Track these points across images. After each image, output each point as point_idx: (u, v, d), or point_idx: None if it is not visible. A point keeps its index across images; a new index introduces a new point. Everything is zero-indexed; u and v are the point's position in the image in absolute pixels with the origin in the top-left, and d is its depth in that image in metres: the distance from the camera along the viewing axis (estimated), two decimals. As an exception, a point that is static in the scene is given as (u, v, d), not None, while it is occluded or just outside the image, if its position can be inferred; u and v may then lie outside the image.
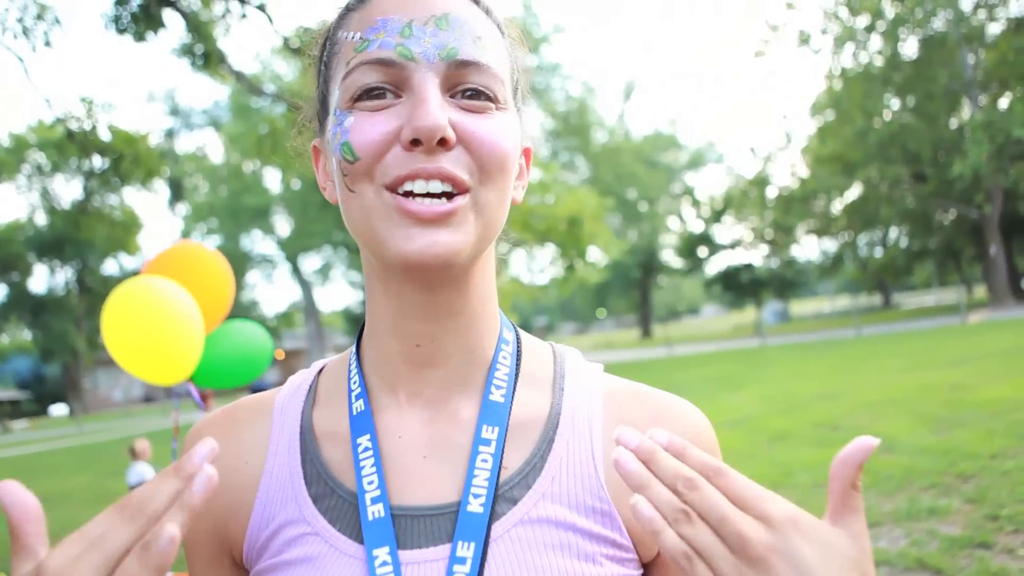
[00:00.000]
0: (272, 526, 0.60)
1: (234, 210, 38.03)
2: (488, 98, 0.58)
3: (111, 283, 49.39)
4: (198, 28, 7.68)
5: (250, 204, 37.76)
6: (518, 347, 0.67)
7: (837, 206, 34.01)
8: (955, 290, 31.58)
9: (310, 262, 45.03)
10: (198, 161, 42.23)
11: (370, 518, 0.57)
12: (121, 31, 7.15)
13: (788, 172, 37.99)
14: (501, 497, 0.58)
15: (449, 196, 0.56)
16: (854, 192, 32.21)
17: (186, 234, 45.41)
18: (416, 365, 0.62)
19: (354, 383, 0.64)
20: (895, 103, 29.00)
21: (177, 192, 43.52)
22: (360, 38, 0.57)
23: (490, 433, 0.60)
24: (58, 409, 50.94)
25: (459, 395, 0.63)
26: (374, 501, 0.57)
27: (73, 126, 8.16)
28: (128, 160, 8.65)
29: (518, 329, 0.70)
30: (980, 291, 36.97)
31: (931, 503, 5.06)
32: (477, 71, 0.57)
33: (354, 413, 0.62)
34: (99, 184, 35.65)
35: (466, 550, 0.55)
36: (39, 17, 7.05)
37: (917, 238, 34.03)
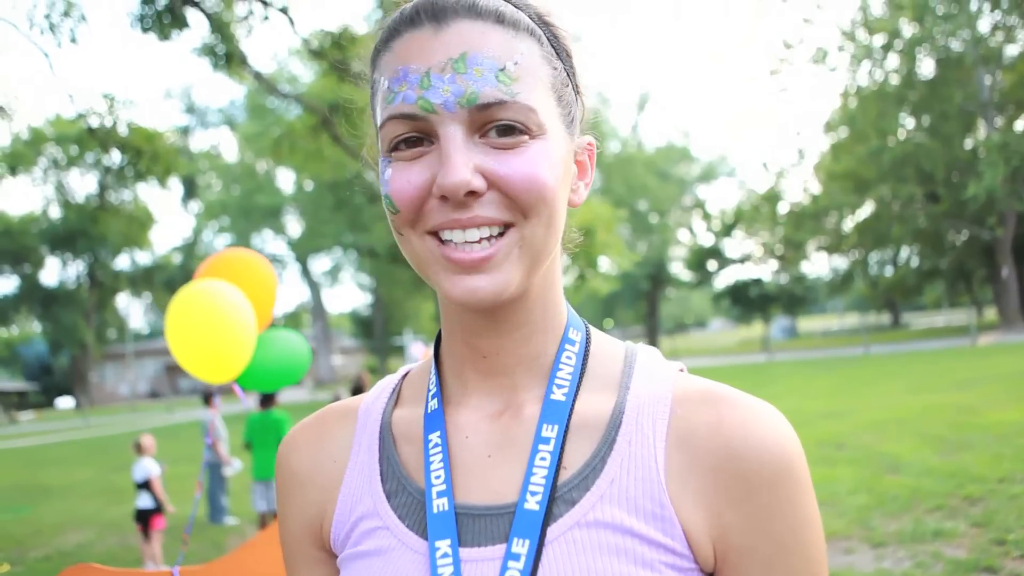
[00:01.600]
0: (352, 518, 0.65)
1: (246, 209, 38.21)
2: (520, 131, 0.56)
3: (122, 278, 49.67)
4: (221, 28, 7.77)
5: (262, 204, 37.94)
6: (586, 347, 0.66)
7: (849, 224, 33.90)
8: (965, 311, 31.37)
9: (320, 263, 45.19)
10: (212, 159, 42.50)
11: (435, 511, 0.59)
12: (146, 30, 7.24)
13: (800, 188, 37.96)
14: (560, 498, 0.58)
15: (491, 237, 0.57)
16: (866, 210, 32.10)
17: (198, 231, 45.62)
18: (483, 373, 0.65)
19: (431, 383, 0.67)
20: (910, 122, 28.94)
21: (191, 190, 43.76)
22: (388, 88, 0.58)
23: (549, 432, 0.60)
24: (64, 402, 51.15)
25: (524, 395, 0.64)
26: (440, 495, 0.60)
27: (94, 122, 8.25)
28: (147, 157, 8.73)
29: (589, 328, 0.69)
30: (991, 313, 36.71)
31: (937, 525, 5.04)
32: (502, 109, 0.55)
33: (428, 411, 0.66)
34: (115, 180, 35.90)
35: (520, 547, 0.56)
36: (66, 14, 7.15)
37: (928, 258, 33.86)
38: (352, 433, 0.69)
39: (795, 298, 45.39)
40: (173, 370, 57.86)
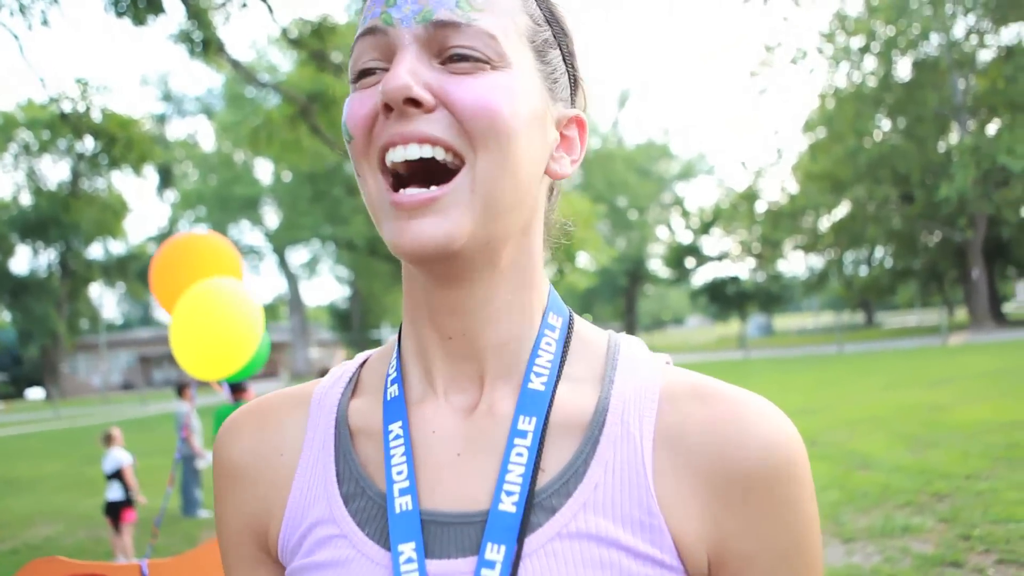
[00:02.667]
0: (305, 525, 0.57)
1: (223, 199, 37.81)
2: (478, 60, 0.52)
3: (95, 267, 48.90)
4: (198, 15, 7.65)
5: (240, 194, 37.56)
6: (567, 334, 0.60)
7: (825, 223, 34.35)
8: (937, 311, 31.96)
9: (297, 255, 44.83)
10: (189, 148, 41.94)
11: (397, 511, 0.53)
12: (120, 14, 7.11)
13: (778, 187, 38.32)
14: (538, 505, 0.52)
15: (440, 180, 0.52)
16: (842, 210, 32.55)
17: (174, 221, 45.03)
18: (450, 358, 0.58)
19: (391, 367, 0.61)
20: (886, 124, 29.36)
21: (166, 178, 43.15)
22: (363, 13, 0.57)
23: (527, 424, 0.54)
24: (34, 393, 50.32)
25: (498, 387, 0.57)
26: (402, 493, 0.54)
27: (67, 107, 8.10)
28: (121, 144, 8.59)
29: (572, 314, 0.62)
30: (961, 313, 37.44)
31: (905, 521, 5.13)
32: (457, 32, 0.52)
33: (388, 399, 0.59)
34: (88, 167, 35.29)
35: (495, 553, 0.50)
36: (37, -5, 7.01)
37: (902, 258, 34.42)
38: (304, 424, 0.61)
39: (771, 296, 45.92)
40: (147, 362, 57.12)
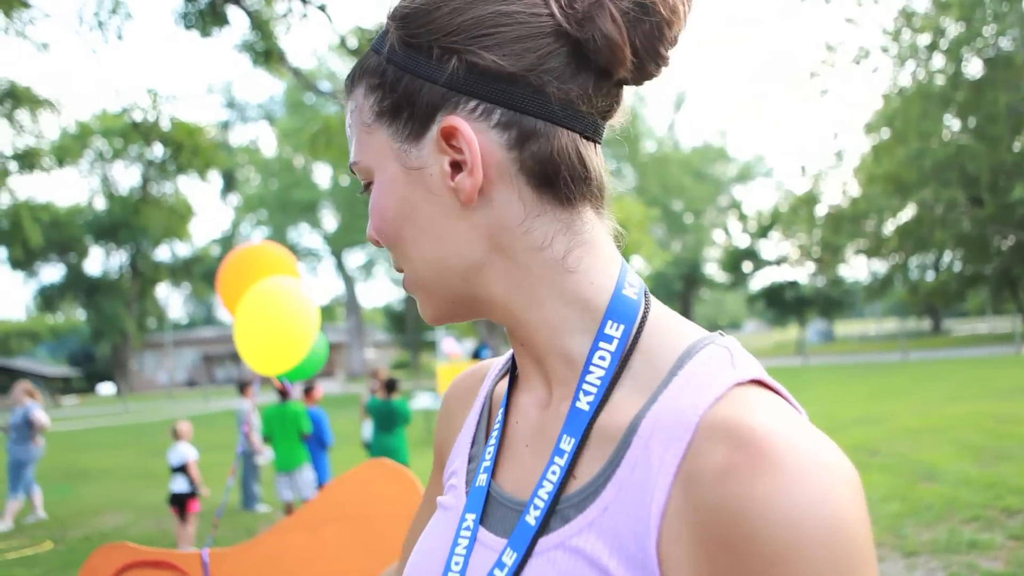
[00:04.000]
0: (450, 469, 0.70)
1: (283, 203, 38.84)
2: (367, 184, 0.63)
3: (162, 268, 50.82)
4: (261, 26, 7.92)
5: (299, 198, 38.51)
6: (632, 342, 0.56)
7: (889, 227, 33.19)
8: (1010, 319, 30.50)
9: (354, 258, 45.70)
10: (251, 154, 43.22)
11: (476, 484, 0.62)
12: (189, 27, 7.42)
13: (839, 190, 37.22)
14: (558, 512, 0.54)
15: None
16: (907, 213, 31.40)
17: (236, 224, 46.39)
18: (527, 360, 0.62)
19: (509, 363, 0.69)
20: (955, 124, 28.23)
21: (229, 183, 44.58)
22: None
23: (566, 444, 0.55)
24: (105, 388, 52.55)
25: (562, 391, 0.59)
26: (484, 471, 0.62)
27: (138, 116, 8.47)
28: (188, 150, 8.94)
29: (648, 316, 0.58)
30: (1036, 321, 35.67)
31: (972, 536, 4.93)
32: (355, 172, 0.63)
33: (508, 387, 0.67)
34: (157, 173, 36.73)
35: (508, 558, 0.55)
36: (113, 11, 7.36)
37: (972, 263, 32.97)
38: (476, 394, 0.73)
39: (832, 301, 44.60)
40: (210, 360, 59.02)
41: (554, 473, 0.55)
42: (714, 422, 0.48)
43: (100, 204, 45.28)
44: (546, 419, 0.60)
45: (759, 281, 47.18)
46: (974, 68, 26.65)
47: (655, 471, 0.49)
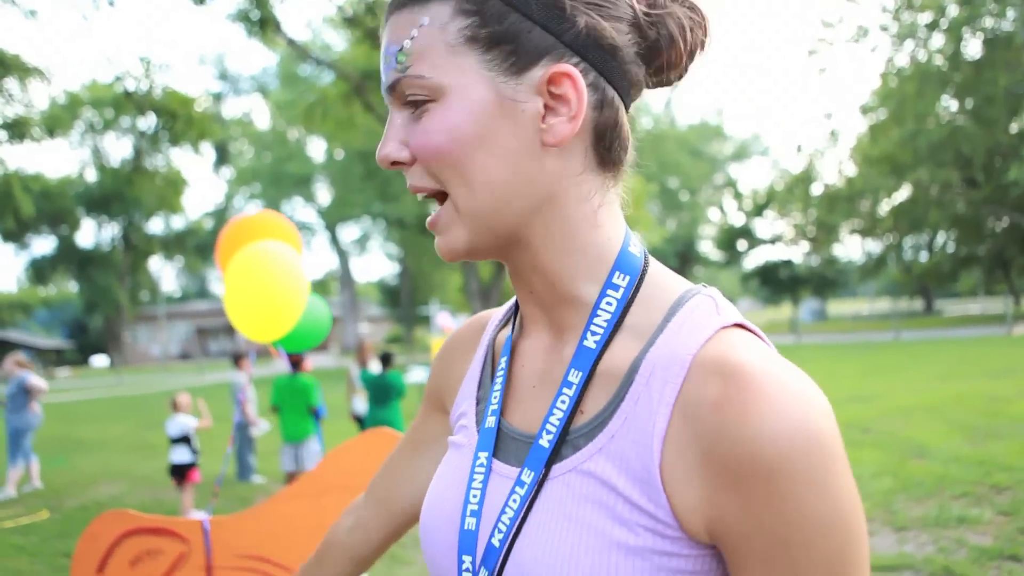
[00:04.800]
0: (457, 412, 0.77)
1: (277, 176, 38.52)
2: (425, 100, 0.61)
3: (155, 241, 50.52)
4: (256, -7, 7.77)
5: (293, 171, 38.19)
6: (633, 291, 0.64)
7: (884, 207, 33.20)
8: (1002, 300, 30.68)
9: (348, 232, 45.50)
10: (244, 126, 42.77)
11: (485, 426, 0.69)
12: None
13: (835, 170, 37.17)
14: (569, 442, 0.61)
15: (436, 203, 0.64)
16: (903, 194, 31.39)
17: (230, 197, 46.07)
18: (534, 307, 0.69)
19: (512, 313, 0.76)
20: (953, 105, 28.11)
21: (222, 156, 44.21)
22: None
23: (574, 377, 0.62)
24: (99, 360, 52.52)
25: (568, 335, 0.66)
26: (492, 414, 0.68)
27: (131, 85, 8.35)
28: (181, 120, 8.83)
29: (648, 269, 0.66)
30: (1028, 303, 35.90)
31: (962, 512, 4.99)
32: (401, 85, 0.61)
33: (509, 335, 0.73)
34: (149, 144, 36.36)
35: (527, 476, 0.62)
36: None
37: (965, 244, 33.10)
38: (478, 344, 0.80)
39: (826, 281, 44.76)
40: (203, 333, 58.96)
41: (563, 403, 0.62)
42: (705, 360, 0.56)
43: (91, 176, 44.83)
44: (552, 362, 0.67)
45: (753, 259, 47.32)
46: (973, 48, 26.50)
47: (655, 404, 0.57)
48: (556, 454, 0.61)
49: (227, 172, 46.33)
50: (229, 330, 61.29)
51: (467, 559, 0.63)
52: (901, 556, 4.35)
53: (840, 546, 0.52)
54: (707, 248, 49.69)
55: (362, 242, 47.12)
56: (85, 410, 18.87)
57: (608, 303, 0.63)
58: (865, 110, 31.50)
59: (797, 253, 44.32)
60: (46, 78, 11.35)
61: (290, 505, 1.70)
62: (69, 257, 47.56)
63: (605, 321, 0.63)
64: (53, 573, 5.20)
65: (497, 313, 0.81)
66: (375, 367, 7.33)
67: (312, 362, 7.62)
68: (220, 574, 1.75)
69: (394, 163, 0.62)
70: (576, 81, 0.59)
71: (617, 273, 0.64)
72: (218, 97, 43.06)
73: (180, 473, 6.39)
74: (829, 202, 33.29)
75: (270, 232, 2.33)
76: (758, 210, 42.63)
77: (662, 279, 0.66)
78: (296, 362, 6.43)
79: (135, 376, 35.63)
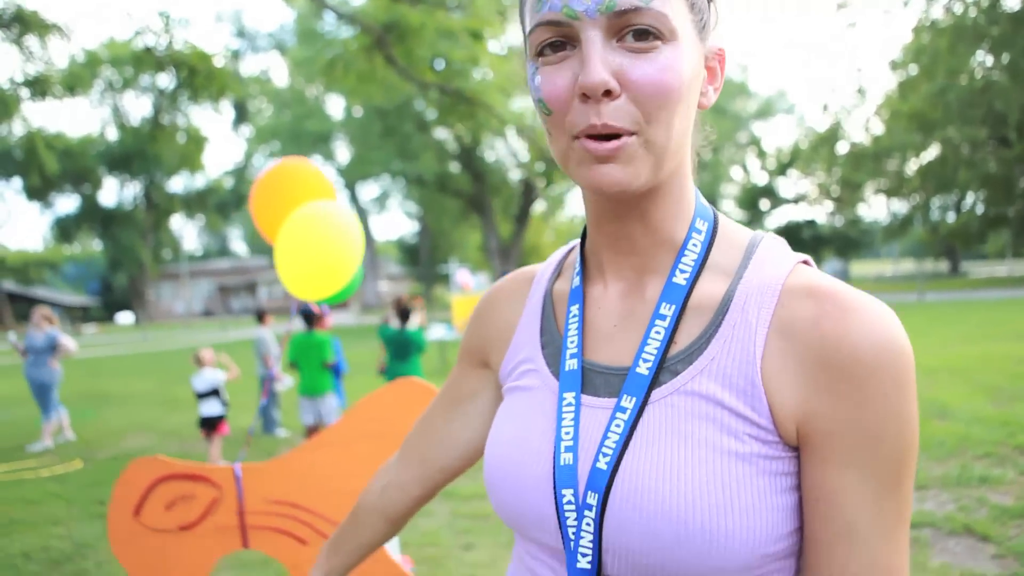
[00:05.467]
0: (516, 360, 0.80)
1: (296, 134, 38.37)
2: (654, 36, 0.62)
3: (176, 200, 50.85)
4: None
5: (312, 129, 38.01)
6: (711, 236, 0.72)
7: (912, 166, 32.46)
8: (1029, 262, 30.11)
9: (368, 190, 45.45)
10: (262, 84, 42.52)
11: (566, 369, 0.71)
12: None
13: (862, 128, 36.29)
14: (666, 369, 0.66)
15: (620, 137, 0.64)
16: (931, 153, 30.64)
17: (249, 156, 46.09)
18: (616, 253, 0.73)
19: (576, 264, 0.79)
20: (987, 60, 27.18)
21: (241, 114, 44.08)
22: (535, 3, 0.65)
23: (667, 310, 0.68)
24: (124, 317, 53.43)
25: (650, 277, 0.72)
26: (571, 356, 0.72)
27: (150, 40, 8.29)
28: (201, 76, 8.77)
29: (718, 218, 0.75)
30: (1057, 265, 35.17)
31: (984, 472, 4.97)
32: (637, 15, 0.61)
33: (572, 287, 0.77)
34: (168, 102, 36.34)
35: (628, 402, 0.66)
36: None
37: (995, 204, 32.33)
38: (527, 295, 0.84)
39: (849, 241, 44.13)
40: (225, 291, 59.68)
41: (658, 333, 0.67)
42: (794, 287, 0.65)
43: (112, 135, 44.99)
44: (633, 304, 0.72)
45: (776, 219, 46.67)
46: (1012, 1, 25.51)
47: (753, 326, 0.64)
48: (654, 381, 0.65)
49: (246, 131, 46.25)
50: (250, 288, 61.98)
51: (567, 492, 0.65)
52: (921, 514, 4.36)
53: (910, 443, 0.60)
54: (729, 207, 49.07)
55: (381, 200, 47.08)
56: (112, 365, 19.28)
57: (694, 245, 0.71)
58: (895, 66, 30.61)
59: (820, 213, 43.68)
60: (65, 35, 11.31)
61: (320, 453, 1.73)
62: (92, 216, 48.08)
63: (692, 261, 0.70)
64: (89, 518, 5.37)
65: (543, 268, 0.86)
66: (418, 319, 7.40)
67: (333, 319, 7.69)
68: (252, 519, 1.79)
69: (605, 92, 0.61)
70: (724, 59, 0.72)
71: (698, 219, 0.72)
72: (236, 55, 42.70)
73: (210, 425, 6.54)
74: (855, 161, 32.61)
75: (305, 178, 2.31)
76: (781, 169, 41.92)
77: (731, 225, 0.75)
78: (312, 319, 6.49)
79: (160, 332, 36.25)
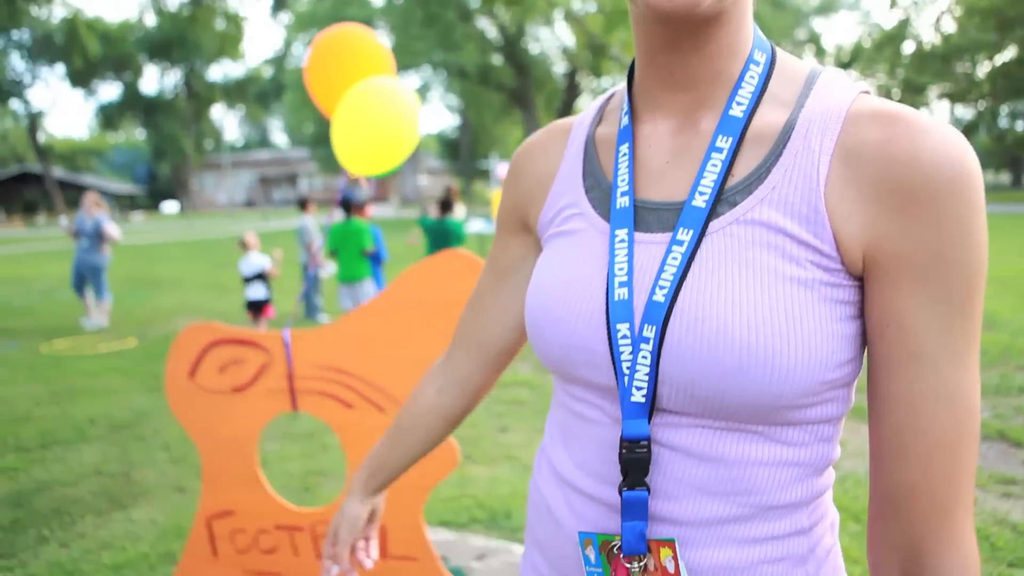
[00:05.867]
0: (557, 207, 0.78)
1: (336, 21, 37.36)
2: None
3: (216, 89, 50.62)
4: None
5: (352, 16, 36.90)
6: (769, 68, 0.69)
7: (983, 69, 30.46)
8: (1098, 175, 28.56)
9: (408, 81, 44.47)
10: (301, -32, 41.15)
11: (617, 207, 0.70)
12: None
13: (931, 25, 33.90)
14: (723, 200, 0.64)
15: None
16: (1007, 55, 28.64)
17: (288, 44, 45.29)
18: (669, 89, 0.70)
19: (624, 103, 0.76)
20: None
21: (280, 1, 42.97)
22: None
23: (723, 142, 0.66)
24: (169, 206, 54.60)
25: (704, 112, 0.69)
26: (623, 195, 0.70)
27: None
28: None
29: (775, 51, 0.71)
30: None
31: (1024, 382, 4.92)
32: None
33: (621, 127, 0.74)
34: (206, -15, 35.55)
35: (684, 235, 0.64)
36: None
37: (1069, 113, 30.48)
38: (566, 144, 0.81)
39: (905, 148, 42.22)
40: (266, 182, 60.24)
41: (715, 166, 0.65)
42: (859, 112, 0.62)
43: (150, 20, 44.46)
44: (686, 139, 0.69)
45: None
46: None
47: (816, 153, 0.62)
48: (712, 212, 0.64)
49: (285, 18, 45.18)
50: (291, 179, 62.40)
51: (622, 327, 0.64)
52: (956, 418, 4.36)
53: (980, 266, 0.58)
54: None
55: (422, 92, 46.09)
56: (160, 252, 19.86)
57: (751, 77, 0.67)
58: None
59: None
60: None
61: (366, 321, 1.76)
62: (135, 104, 48.29)
63: (749, 93, 0.67)
64: (145, 391, 5.69)
65: (580, 116, 0.83)
66: (460, 212, 7.42)
67: (373, 210, 7.72)
68: (300, 383, 1.86)
69: None
70: None
71: (756, 51, 0.69)
72: (273, -64, 41.24)
73: (256, 309, 6.76)
74: (920, 61, 30.74)
75: (363, 50, 2.23)
76: (841, 68, 39.75)
77: (789, 58, 0.71)
78: (351, 207, 6.53)
79: (204, 221, 37.02)
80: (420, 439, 0.95)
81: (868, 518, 0.65)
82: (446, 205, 6.87)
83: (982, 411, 4.48)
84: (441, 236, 6.87)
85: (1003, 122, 35.46)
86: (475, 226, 11.93)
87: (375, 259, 6.79)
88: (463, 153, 43.34)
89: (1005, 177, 45.89)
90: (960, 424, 0.58)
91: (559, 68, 34.24)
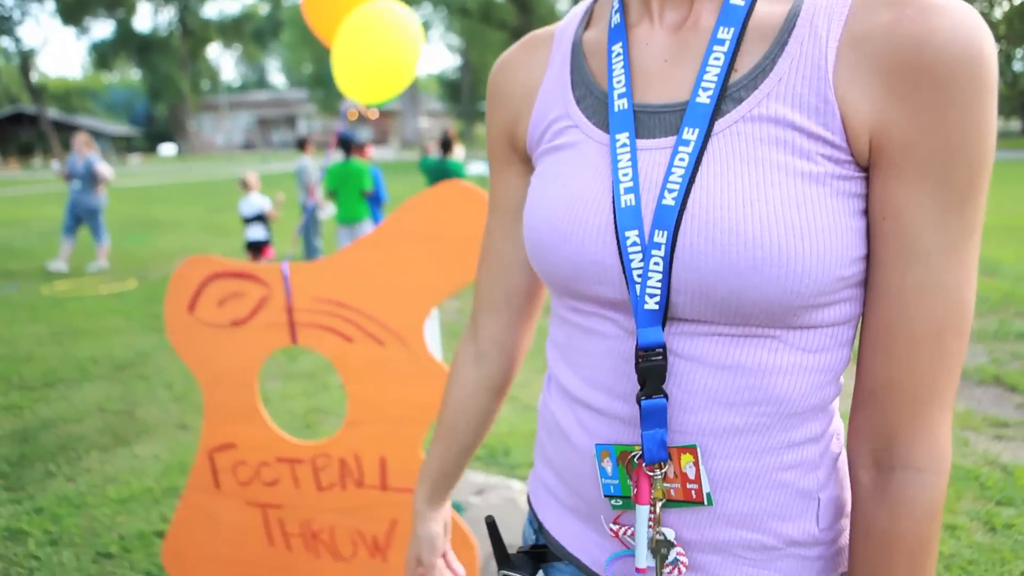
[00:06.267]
0: (546, 121, 0.73)
1: (333, -42, 36.25)
2: None
3: (211, 26, 49.43)
4: None
5: (349, -48, 35.86)
6: None
7: (1000, 11, 29.68)
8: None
9: (407, 21, 43.39)
10: (296, -102, 39.73)
11: (616, 110, 0.66)
12: None
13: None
14: (728, 97, 0.61)
15: None
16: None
17: (284, -20, 44.11)
18: None
19: (615, 1, 0.72)
20: None
21: (275, -67, 41.61)
22: None
23: (725, 34, 0.63)
24: (167, 148, 53.99)
25: (704, 6, 0.66)
26: (620, 97, 0.66)
27: None
28: None
29: None
30: None
31: (1022, 328, 4.93)
32: None
33: (612, 26, 0.71)
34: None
35: (691, 134, 0.61)
36: None
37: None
38: (548, 53, 0.77)
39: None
40: (265, 123, 59.42)
41: (717, 59, 0.62)
42: None
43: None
44: (684, 36, 0.66)
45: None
46: None
47: (823, 41, 0.59)
48: (717, 111, 0.61)
49: (280, -48, 43.86)
50: (290, 120, 61.53)
51: (631, 234, 0.62)
52: (954, 362, 4.39)
53: (986, 156, 0.56)
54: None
55: (422, 31, 45.20)
56: (159, 194, 19.72)
57: None
58: None
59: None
60: None
61: (366, 253, 1.74)
62: (128, 42, 47.24)
63: None
64: (145, 329, 5.71)
65: (563, 23, 0.78)
66: (459, 153, 7.33)
67: (374, 151, 7.63)
68: (300, 316, 1.85)
69: None
70: None
71: None
72: None
73: (256, 249, 6.75)
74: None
75: None
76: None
77: None
78: (350, 146, 6.45)
79: (202, 163, 36.67)
80: (472, 425, 0.90)
81: (851, 409, 0.65)
82: (446, 145, 6.79)
83: (979, 356, 4.51)
84: (442, 175, 6.82)
85: (1017, 66, 34.74)
86: (476, 168, 11.82)
87: (375, 200, 6.74)
88: (464, 95, 42.62)
89: (1015, 124, 45.19)
90: (947, 318, 0.57)
91: (563, 5, 33.37)
